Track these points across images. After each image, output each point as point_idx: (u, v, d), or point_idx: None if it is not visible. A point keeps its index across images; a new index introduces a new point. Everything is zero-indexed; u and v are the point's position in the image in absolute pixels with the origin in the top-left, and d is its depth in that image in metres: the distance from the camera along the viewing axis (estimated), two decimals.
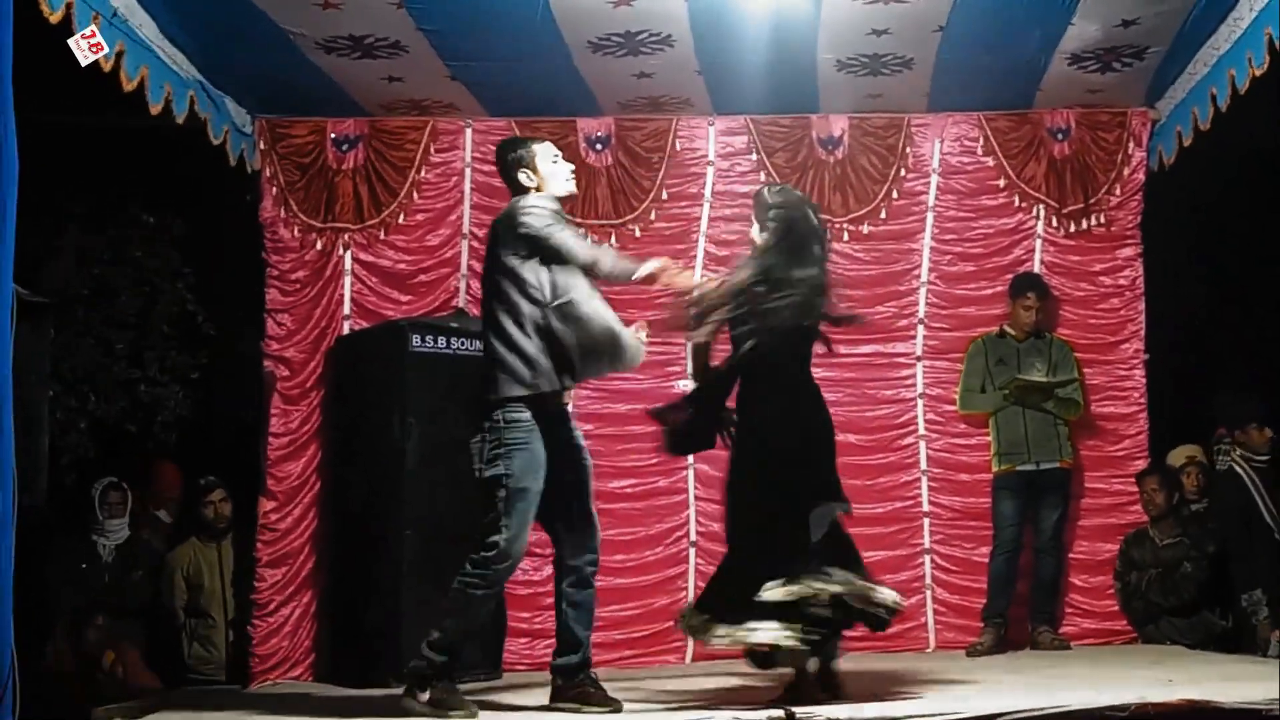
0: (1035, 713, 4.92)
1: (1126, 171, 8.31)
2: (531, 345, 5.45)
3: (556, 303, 5.47)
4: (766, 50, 7.18)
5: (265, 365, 8.03)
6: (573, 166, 5.92)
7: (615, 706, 5.47)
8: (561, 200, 5.77)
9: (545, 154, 5.77)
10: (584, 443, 5.78)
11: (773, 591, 5.25)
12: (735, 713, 5.20)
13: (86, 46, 5.70)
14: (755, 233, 5.87)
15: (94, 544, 8.35)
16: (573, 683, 5.56)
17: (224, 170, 7.95)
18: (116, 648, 7.91)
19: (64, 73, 5.94)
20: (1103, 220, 8.33)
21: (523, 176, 5.71)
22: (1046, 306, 8.09)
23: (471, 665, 7.16)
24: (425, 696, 5.44)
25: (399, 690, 5.61)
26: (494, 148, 8.05)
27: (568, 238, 5.53)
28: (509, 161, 5.77)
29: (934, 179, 8.36)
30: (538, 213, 5.55)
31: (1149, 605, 7.88)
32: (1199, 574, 7.80)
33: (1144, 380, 8.24)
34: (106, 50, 5.80)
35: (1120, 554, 8.03)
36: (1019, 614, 7.89)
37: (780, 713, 5.06)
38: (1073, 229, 8.32)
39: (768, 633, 5.29)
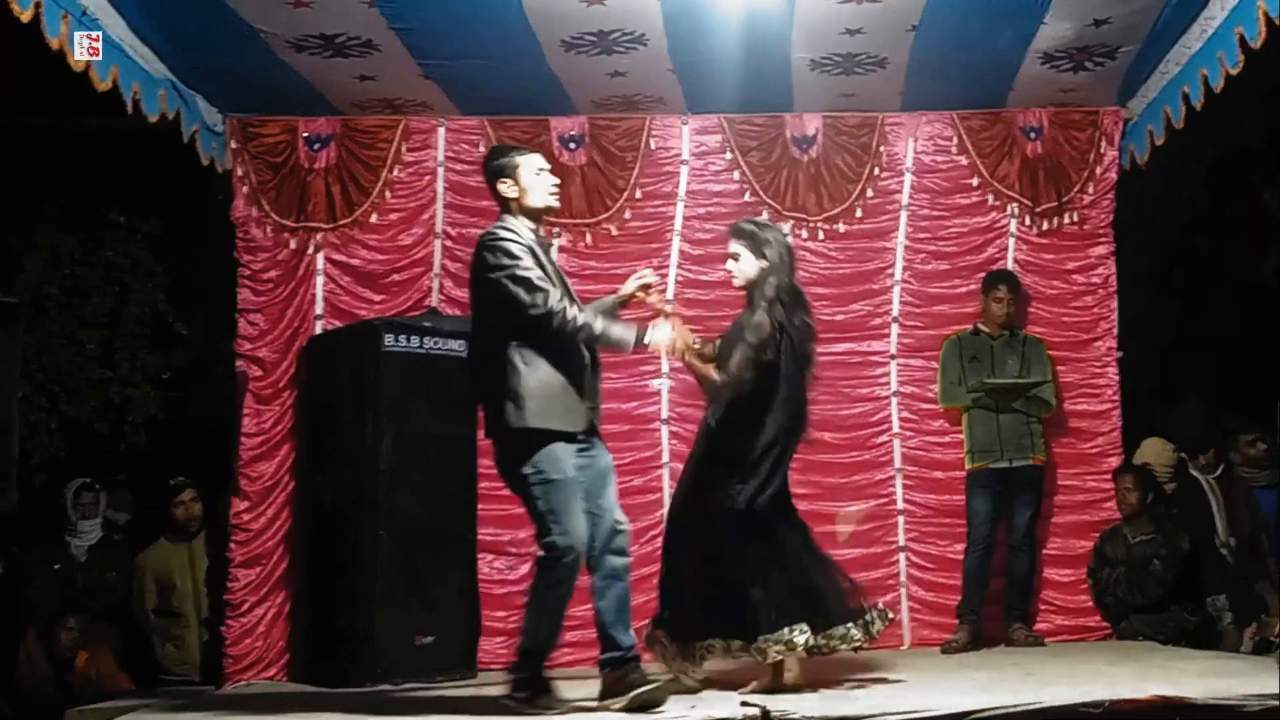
0: (1010, 709, 4.94)
1: (1099, 170, 8.33)
2: None
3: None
4: (740, 49, 7.18)
5: (237, 365, 7.98)
6: (558, 181, 5.83)
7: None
8: (542, 213, 5.72)
9: (530, 165, 5.68)
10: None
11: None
12: (711, 709, 5.21)
13: (87, 45, 5.70)
14: (747, 261, 5.95)
15: (66, 545, 8.31)
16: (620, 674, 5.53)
17: (195, 170, 7.91)
18: (89, 649, 7.87)
19: (33, 74, 5.93)
20: (1075, 219, 8.35)
21: (503, 187, 5.64)
22: (1018, 300, 8.12)
23: (447, 666, 7.16)
24: (523, 696, 5.46)
25: (372, 689, 5.59)
26: (466, 146, 8.18)
27: (519, 290, 5.43)
28: (490, 170, 5.72)
29: (908, 178, 8.36)
30: (503, 247, 5.48)
31: (1119, 602, 7.92)
32: (1167, 573, 7.83)
33: (1117, 378, 8.26)
34: (99, 52, 5.79)
35: (1094, 550, 8.06)
36: (993, 611, 7.91)
37: (756, 710, 5.07)
38: (1046, 227, 8.34)
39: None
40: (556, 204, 5.80)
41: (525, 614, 5.59)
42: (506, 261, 5.43)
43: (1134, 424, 8.36)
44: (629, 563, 5.66)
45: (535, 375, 5.42)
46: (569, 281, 5.75)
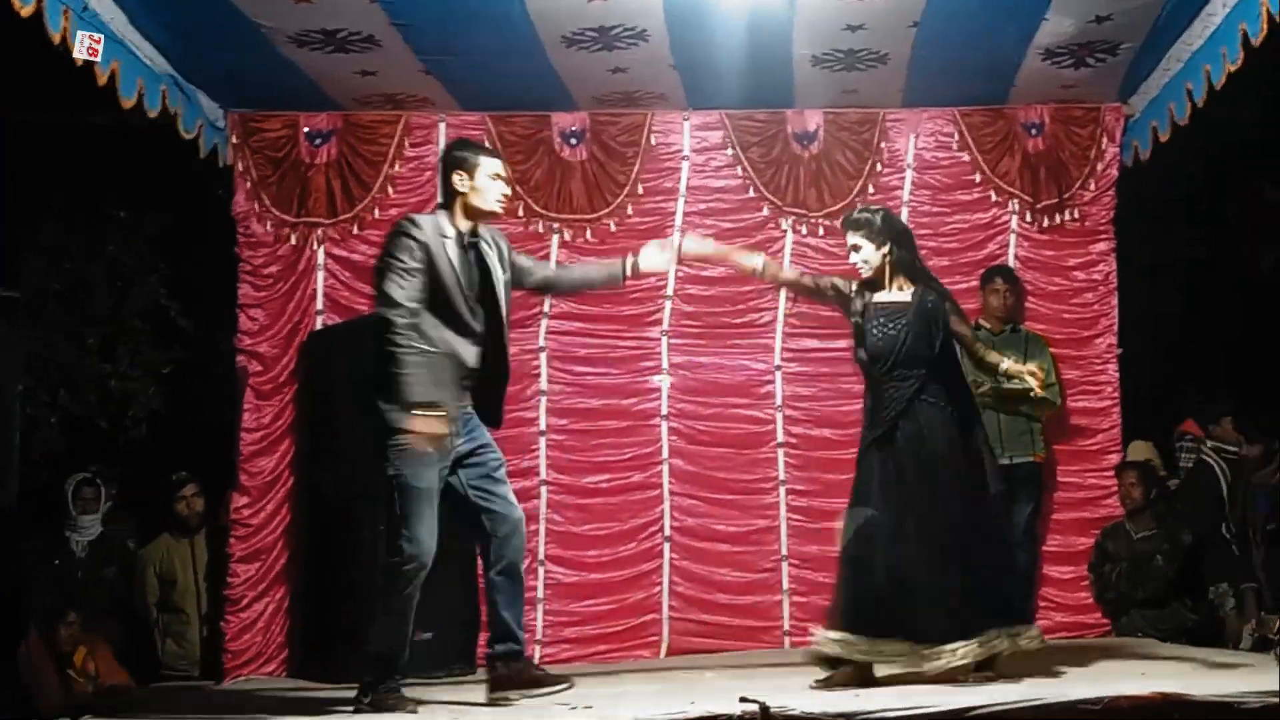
0: (1009, 706, 4.92)
1: (1100, 167, 8.33)
2: None
3: None
4: (742, 45, 7.17)
5: (238, 360, 8.00)
6: (509, 193, 5.79)
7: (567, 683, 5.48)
8: (486, 216, 5.66)
9: (490, 167, 5.61)
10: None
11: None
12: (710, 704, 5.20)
13: (87, 45, 5.70)
14: (871, 251, 5.93)
15: (66, 540, 8.32)
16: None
17: (197, 165, 7.93)
18: (89, 645, 7.87)
19: (35, 70, 5.93)
20: (1076, 215, 8.34)
21: (456, 179, 5.56)
22: (1016, 293, 8.11)
23: (446, 662, 7.15)
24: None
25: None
26: None
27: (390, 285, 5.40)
28: (450, 159, 5.64)
29: (909, 174, 8.36)
30: (398, 240, 5.47)
31: (1120, 596, 7.92)
32: (1170, 567, 7.84)
33: (1117, 375, 8.26)
34: (98, 53, 5.79)
35: (1096, 546, 8.06)
36: None
37: (754, 707, 5.06)
38: (1046, 224, 8.34)
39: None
40: (501, 212, 5.73)
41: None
42: (387, 255, 5.45)
43: (1134, 420, 8.35)
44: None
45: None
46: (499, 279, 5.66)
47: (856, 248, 5.96)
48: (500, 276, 5.64)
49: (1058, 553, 8.17)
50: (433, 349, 5.37)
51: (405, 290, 5.35)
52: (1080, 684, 5.38)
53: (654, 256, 5.96)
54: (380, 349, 5.33)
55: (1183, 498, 8.22)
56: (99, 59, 5.82)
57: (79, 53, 5.82)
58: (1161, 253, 9.58)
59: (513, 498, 5.67)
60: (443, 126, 8.22)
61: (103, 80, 6.26)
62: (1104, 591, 8.00)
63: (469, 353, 5.51)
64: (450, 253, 5.47)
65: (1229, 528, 7.92)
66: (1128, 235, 8.46)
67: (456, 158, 5.63)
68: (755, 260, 6.26)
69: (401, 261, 5.38)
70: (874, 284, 5.95)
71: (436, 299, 5.42)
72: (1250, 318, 9.04)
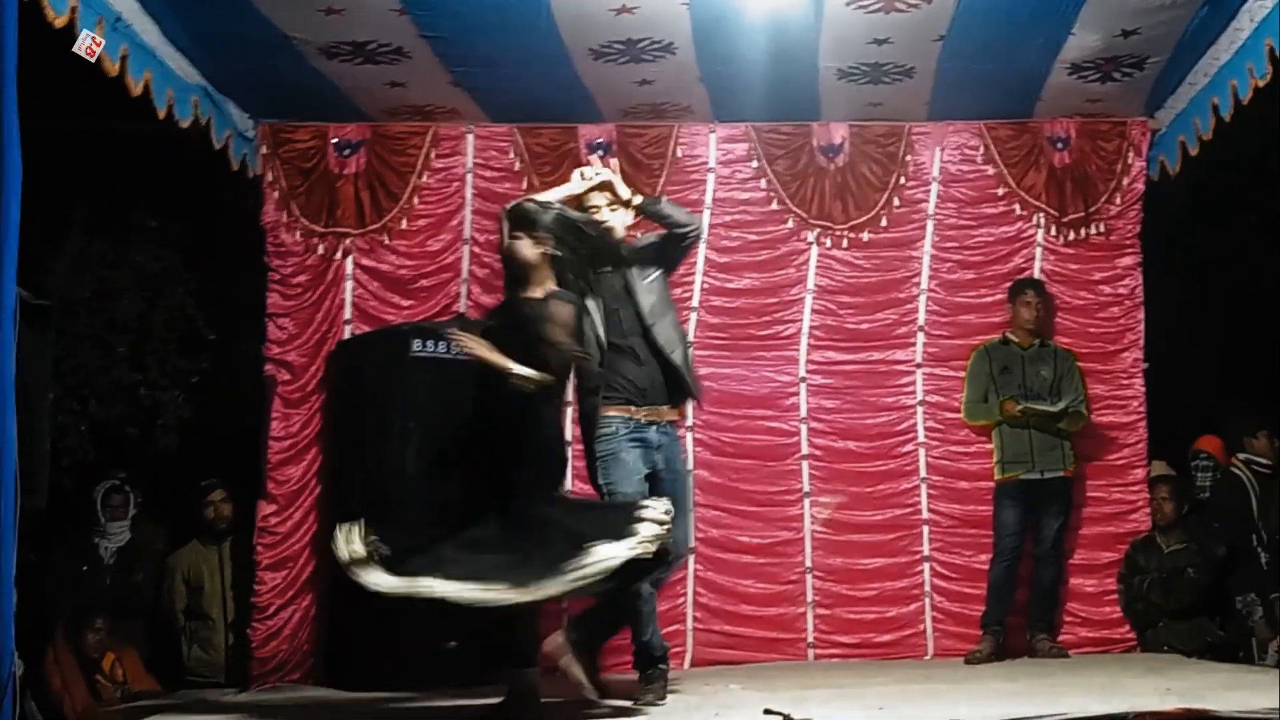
0: None
1: (1126, 181, 8.32)
2: None
3: None
4: (768, 58, 7.19)
5: (266, 369, 8.04)
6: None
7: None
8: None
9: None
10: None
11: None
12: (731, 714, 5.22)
13: (90, 41, 5.75)
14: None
15: (95, 546, 8.37)
16: None
17: (226, 175, 7.97)
18: (116, 651, 7.92)
19: (67, 77, 5.98)
20: (1102, 229, 8.33)
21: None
22: (1046, 305, 8.10)
23: (471, 672, 7.15)
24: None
25: (397, 694, 5.62)
26: (495, 153, 8.24)
27: None
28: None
29: (934, 187, 8.36)
30: None
31: (1149, 607, 7.90)
32: (1202, 579, 7.84)
33: (1143, 389, 8.24)
34: (95, 53, 5.83)
35: (1126, 558, 8.05)
36: (1017, 621, 7.89)
37: (779, 718, 5.07)
38: (1072, 237, 8.32)
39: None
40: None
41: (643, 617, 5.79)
42: None
43: (1160, 435, 8.33)
44: None
45: None
46: None
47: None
48: None
49: (1083, 566, 8.14)
50: None
51: None
52: (1104, 699, 5.37)
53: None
54: None
55: (1212, 511, 8.18)
56: (94, 59, 5.84)
57: (78, 48, 5.84)
58: (1187, 267, 9.53)
59: None
60: (470, 138, 8.26)
61: (136, 91, 6.31)
62: (1133, 602, 7.98)
63: None
64: None
65: (1260, 539, 7.88)
66: (1155, 250, 8.43)
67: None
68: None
69: None
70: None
71: None
72: (1275, 334, 8.98)
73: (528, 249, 5.48)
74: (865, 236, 8.33)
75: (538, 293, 5.47)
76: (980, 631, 7.80)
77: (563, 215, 5.59)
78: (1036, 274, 8.27)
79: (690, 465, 8.05)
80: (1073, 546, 8.12)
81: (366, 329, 8.07)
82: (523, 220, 5.53)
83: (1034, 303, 7.99)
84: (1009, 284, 8.17)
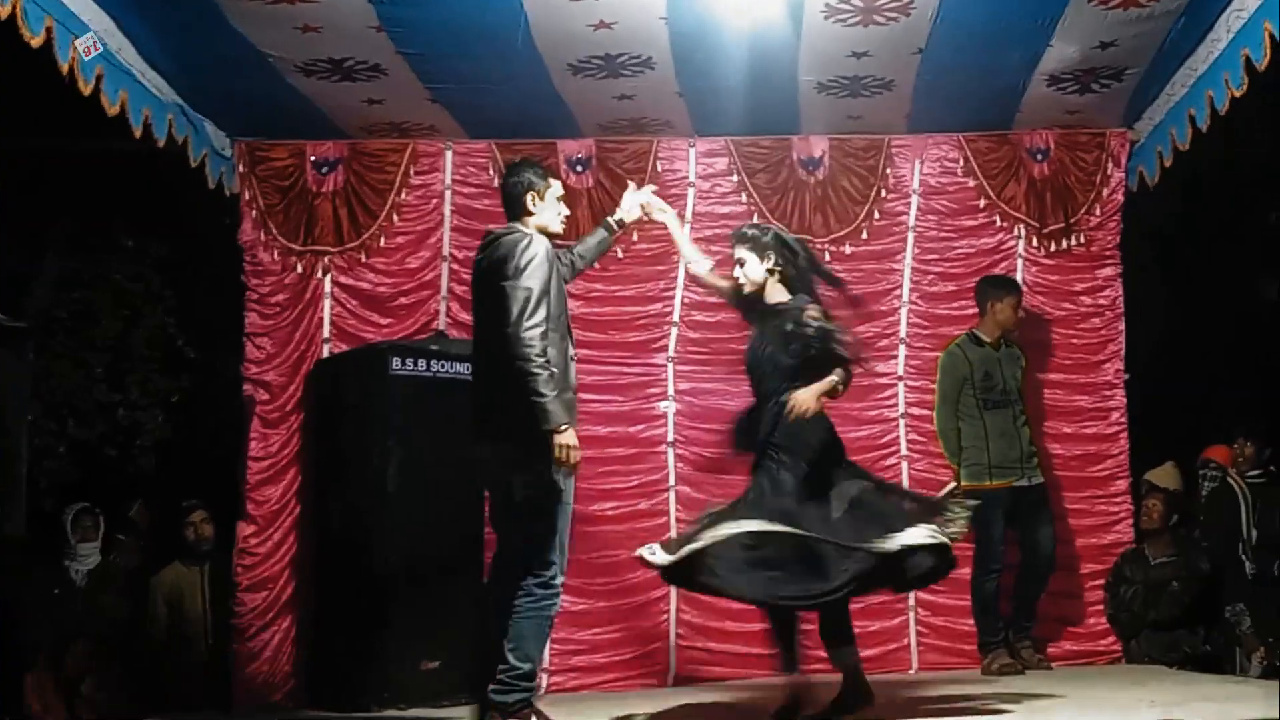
0: None
1: (1105, 192, 8.34)
2: None
3: None
4: (747, 72, 7.18)
5: (245, 389, 8.01)
6: (568, 213, 5.94)
7: None
8: (550, 236, 5.69)
9: (556, 190, 5.77)
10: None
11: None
12: None
13: (81, 49, 5.74)
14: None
15: (66, 569, 8.31)
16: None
17: (203, 194, 7.94)
18: (96, 673, 7.86)
19: (43, 97, 5.95)
20: (1082, 240, 8.34)
21: (529, 199, 5.66)
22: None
23: (453, 691, 7.10)
24: None
25: (378, 714, 5.58)
26: (474, 169, 8.19)
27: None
28: (521, 181, 5.69)
29: (914, 199, 8.37)
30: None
31: (1133, 616, 7.90)
32: (1185, 593, 7.84)
33: (1124, 400, 8.24)
34: (93, 53, 5.82)
35: (1114, 568, 8.05)
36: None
37: None
38: (1053, 249, 8.33)
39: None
40: (563, 232, 5.85)
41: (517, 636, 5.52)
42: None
43: (1140, 446, 8.32)
44: None
45: None
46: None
47: (741, 262, 5.91)
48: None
49: (1066, 578, 8.11)
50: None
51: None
52: (1088, 712, 5.36)
53: (628, 202, 6.14)
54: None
55: (1202, 520, 8.19)
56: (90, 58, 5.83)
57: (78, 46, 5.81)
58: (1167, 277, 9.55)
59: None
60: (449, 154, 8.24)
61: (112, 110, 6.29)
62: (1117, 611, 7.98)
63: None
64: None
65: (1246, 550, 7.88)
66: (1133, 260, 8.44)
67: (528, 180, 5.69)
68: (694, 257, 6.40)
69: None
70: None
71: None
72: (1255, 345, 9.01)
73: (755, 268, 5.84)
74: (846, 249, 8.32)
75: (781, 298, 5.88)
76: (986, 655, 7.54)
77: (780, 235, 5.93)
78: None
79: (672, 480, 8.06)
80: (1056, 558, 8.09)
81: (345, 348, 8.03)
82: (746, 241, 5.87)
83: (1017, 304, 7.90)
84: (978, 279, 8.06)
